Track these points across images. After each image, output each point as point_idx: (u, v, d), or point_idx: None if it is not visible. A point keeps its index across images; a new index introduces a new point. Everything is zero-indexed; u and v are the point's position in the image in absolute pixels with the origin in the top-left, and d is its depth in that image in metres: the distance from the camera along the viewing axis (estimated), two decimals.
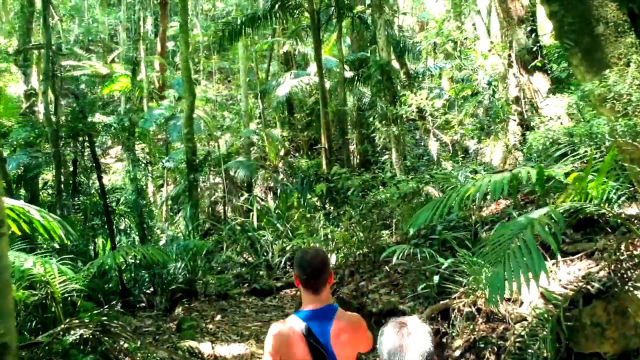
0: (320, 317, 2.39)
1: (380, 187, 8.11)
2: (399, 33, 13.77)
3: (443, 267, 5.07)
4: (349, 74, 15.40)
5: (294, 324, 2.38)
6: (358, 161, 16.16)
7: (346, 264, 6.84)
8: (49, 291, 5.93)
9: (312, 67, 17.43)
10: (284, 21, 16.97)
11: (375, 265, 6.51)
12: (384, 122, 9.10)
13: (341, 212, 7.35)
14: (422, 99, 9.10)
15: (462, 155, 12.73)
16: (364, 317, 2.57)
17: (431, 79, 14.15)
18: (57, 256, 7.02)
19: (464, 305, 5.15)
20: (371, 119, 10.92)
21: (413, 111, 9.16)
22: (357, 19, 13.98)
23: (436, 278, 5.08)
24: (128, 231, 10.90)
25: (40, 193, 10.69)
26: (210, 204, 16.32)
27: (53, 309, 6.14)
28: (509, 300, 4.95)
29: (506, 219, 6.21)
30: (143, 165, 11.95)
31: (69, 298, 6.34)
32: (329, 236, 9.67)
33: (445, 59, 17.17)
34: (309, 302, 2.43)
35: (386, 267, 6.48)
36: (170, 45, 24.67)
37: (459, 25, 10.49)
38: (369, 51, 12.96)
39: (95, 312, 6.20)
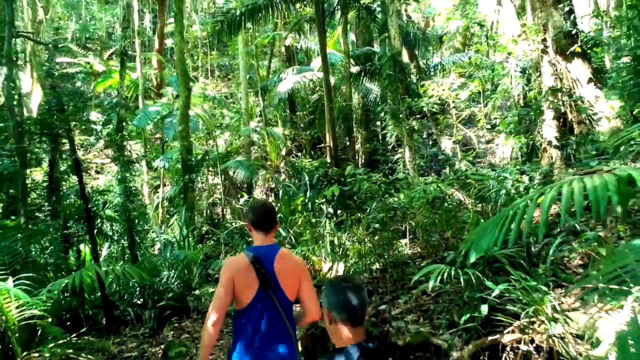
0: (267, 251, 2.79)
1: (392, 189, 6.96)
2: (408, 24, 12.58)
3: (493, 294, 3.87)
4: (354, 68, 14.18)
5: (245, 256, 2.78)
6: (363, 161, 14.98)
7: (362, 281, 5.63)
8: (2, 318, 4.75)
9: (315, 63, 16.26)
10: (286, 14, 15.81)
11: (398, 285, 5.30)
12: (401, 115, 7.89)
13: (354, 220, 6.15)
14: (444, 90, 7.91)
15: (472, 154, 11.56)
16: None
17: (442, 73, 12.96)
18: (22, 271, 5.87)
19: (518, 342, 3.96)
20: (382, 114, 9.70)
21: (435, 104, 7.97)
22: (364, 10, 12.76)
23: (484, 308, 3.87)
24: (116, 237, 9.67)
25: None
26: (208, 206, 15.09)
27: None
28: (580, 337, 3.76)
29: (558, 230, 5.01)
30: (134, 165, 10.72)
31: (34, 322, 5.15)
32: (336, 242, 8.54)
33: (454, 53, 16.00)
34: (259, 241, 2.85)
35: (408, 286, 5.29)
36: (168, 42, 23.47)
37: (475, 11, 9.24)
38: (379, 41, 11.76)
39: (61, 341, 5.03)
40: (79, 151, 19.69)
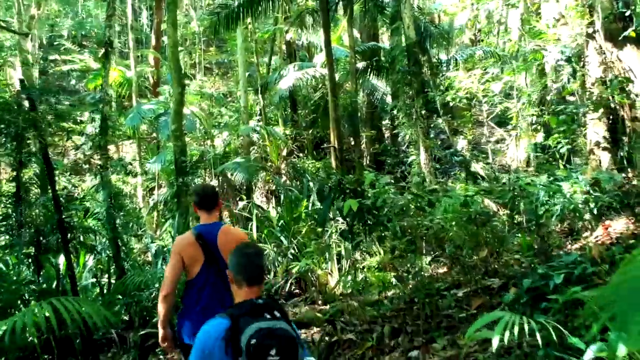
0: (210, 228, 3.17)
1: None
2: (420, 16, 11.43)
3: (585, 357, 2.69)
4: (359, 64, 12.99)
5: (191, 234, 3.17)
6: (369, 162, 13.81)
7: (384, 315, 4.45)
8: None
9: (317, 59, 15.06)
10: (287, 8, 14.65)
11: (432, 323, 4.11)
12: (423, 112, 6.74)
13: (375, 237, 4.97)
14: (473, 82, 6.75)
15: (483, 156, 10.44)
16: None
17: (456, 68, 11.79)
18: None
19: None
20: (395, 112, 8.53)
21: (463, 97, 6.84)
22: (371, 1, 11.58)
23: None
24: (99, 249, 8.50)
25: None
26: None
27: None
28: None
29: None
30: (121, 168, 9.55)
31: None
32: (343, 253, 7.40)
33: (463, 49, 14.80)
34: (203, 220, 3.23)
35: (444, 325, 4.11)
36: (166, 39, 22.24)
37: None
38: (389, 32, 10.58)
39: None
40: (72, 152, 18.54)
